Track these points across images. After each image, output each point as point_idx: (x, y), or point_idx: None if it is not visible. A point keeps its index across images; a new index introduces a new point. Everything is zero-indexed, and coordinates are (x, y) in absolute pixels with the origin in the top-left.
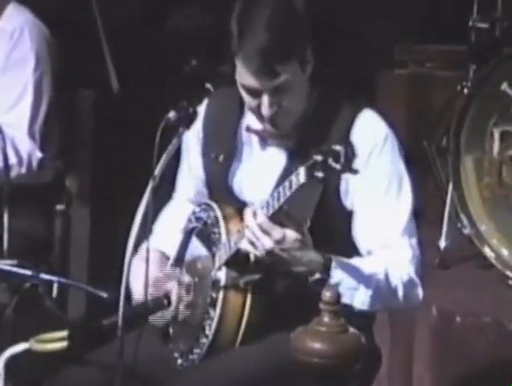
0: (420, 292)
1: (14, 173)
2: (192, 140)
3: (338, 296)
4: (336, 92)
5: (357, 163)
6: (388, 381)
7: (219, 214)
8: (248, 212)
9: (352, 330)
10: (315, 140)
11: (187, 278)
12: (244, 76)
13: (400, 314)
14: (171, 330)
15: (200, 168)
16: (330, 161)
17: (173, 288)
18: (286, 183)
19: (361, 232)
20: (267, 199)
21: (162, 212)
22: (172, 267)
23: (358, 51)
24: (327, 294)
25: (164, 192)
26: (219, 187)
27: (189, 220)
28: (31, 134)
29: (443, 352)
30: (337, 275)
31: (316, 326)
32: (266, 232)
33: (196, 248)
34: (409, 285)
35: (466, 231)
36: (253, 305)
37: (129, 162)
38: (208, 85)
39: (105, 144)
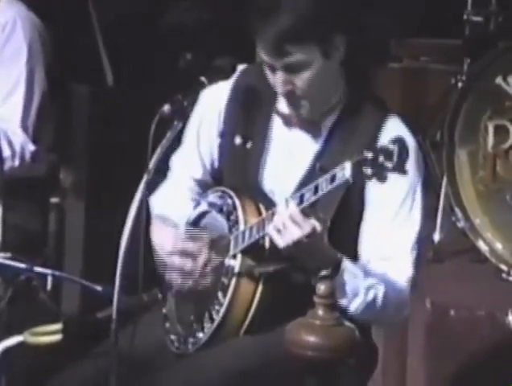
0: (408, 309)
1: (7, 166)
2: (211, 116)
3: (333, 289)
4: (366, 91)
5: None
6: (382, 375)
7: (237, 203)
8: (281, 200)
9: (346, 323)
10: (342, 140)
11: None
12: (260, 50)
13: None
14: (168, 307)
15: (211, 151)
16: (381, 159)
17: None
18: (328, 177)
19: (366, 241)
20: (302, 191)
21: (164, 185)
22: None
23: (353, 45)
24: (321, 287)
25: (159, 185)
26: (238, 174)
27: (198, 204)
28: (24, 127)
29: (438, 346)
30: (344, 276)
31: (311, 319)
32: (297, 223)
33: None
34: (401, 304)
35: (460, 224)
36: (263, 296)
37: (123, 156)
38: (203, 79)
39: (100, 137)
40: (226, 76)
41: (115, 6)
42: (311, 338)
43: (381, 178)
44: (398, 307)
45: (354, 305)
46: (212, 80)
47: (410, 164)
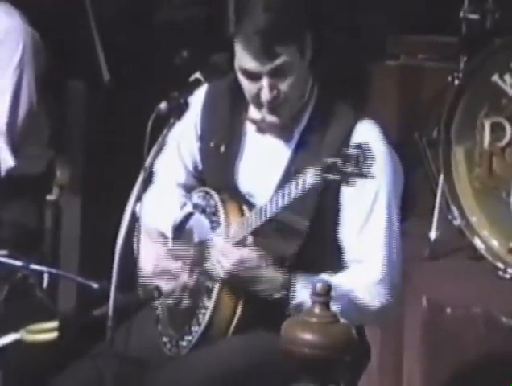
0: (392, 309)
1: None
2: (189, 121)
3: (329, 287)
4: (336, 89)
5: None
6: (378, 372)
7: (219, 204)
8: (261, 203)
9: (342, 321)
10: (314, 143)
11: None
12: (244, 59)
13: None
14: (159, 311)
15: (192, 154)
16: (346, 164)
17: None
18: (299, 181)
19: (342, 243)
20: (272, 196)
21: (149, 193)
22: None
23: (349, 43)
24: (318, 285)
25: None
26: (217, 177)
27: (184, 205)
28: (10, 136)
29: (434, 343)
30: (302, 294)
31: (307, 317)
32: (224, 254)
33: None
34: (379, 306)
35: (457, 222)
36: (248, 297)
37: (120, 153)
38: (199, 76)
39: (96, 134)
40: (223, 73)
41: (111, 3)
42: (308, 336)
43: (348, 183)
44: (375, 310)
45: None
46: (209, 77)
47: (378, 168)
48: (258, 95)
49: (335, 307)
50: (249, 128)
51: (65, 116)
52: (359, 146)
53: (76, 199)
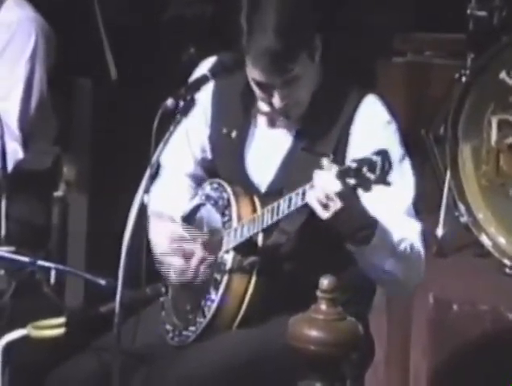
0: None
1: None
2: (198, 114)
3: (335, 284)
4: (341, 75)
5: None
6: (385, 368)
7: (232, 197)
8: (318, 174)
9: (349, 318)
10: (319, 122)
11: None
12: (254, 73)
13: (397, 301)
14: (163, 298)
15: (201, 143)
16: (365, 170)
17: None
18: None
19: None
20: (290, 195)
21: (158, 181)
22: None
23: (357, 40)
24: (324, 282)
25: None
26: (227, 163)
27: (195, 195)
28: (21, 127)
29: (441, 340)
30: (379, 235)
31: (313, 314)
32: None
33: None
34: (422, 257)
35: (464, 219)
36: (255, 291)
37: (126, 149)
38: (207, 73)
39: (103, 131)
40: (230, 72)
41: (119, 0)
42: (314, 333)
43: (365, 188)
44: (420, 260)
45: (391, 261)
46: (216, 74)
47: (391, 140)
48: (269, 100)
49: (402, 246)
50: (260, 118)
51: (72, 113)
52: (379, 152)
53: (83, 195)
